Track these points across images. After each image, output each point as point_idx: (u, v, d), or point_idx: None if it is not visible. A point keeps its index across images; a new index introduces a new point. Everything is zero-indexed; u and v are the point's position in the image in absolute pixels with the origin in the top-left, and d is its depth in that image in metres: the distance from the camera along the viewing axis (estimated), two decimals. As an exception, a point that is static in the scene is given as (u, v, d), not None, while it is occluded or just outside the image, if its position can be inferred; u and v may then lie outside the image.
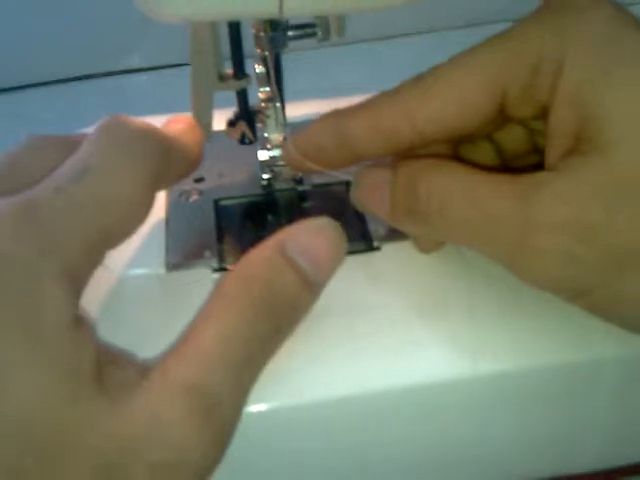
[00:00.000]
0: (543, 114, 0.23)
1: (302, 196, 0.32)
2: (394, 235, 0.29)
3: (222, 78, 0.29)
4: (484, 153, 0.27)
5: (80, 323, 0.19)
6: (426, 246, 0.27)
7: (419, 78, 0.24)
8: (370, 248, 0.29)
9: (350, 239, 0.29)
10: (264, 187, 0.32)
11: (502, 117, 0.24)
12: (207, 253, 0.28)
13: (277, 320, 0.21)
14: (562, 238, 0.20)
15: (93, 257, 0.20)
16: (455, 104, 0.23)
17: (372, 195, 0.26)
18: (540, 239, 0.21)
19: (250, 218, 0.31)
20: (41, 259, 0.18)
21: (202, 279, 0.27)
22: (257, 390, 0.22)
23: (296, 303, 0.22)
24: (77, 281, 0.20)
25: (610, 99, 0.20)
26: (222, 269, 0.28)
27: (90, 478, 0.18)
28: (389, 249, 0.29)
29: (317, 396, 0.24)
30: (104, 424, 0.18)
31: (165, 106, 0.31)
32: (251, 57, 0.29)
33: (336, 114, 0.25)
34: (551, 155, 0.23)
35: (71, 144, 0.23)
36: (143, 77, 0.45)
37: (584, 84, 0.21)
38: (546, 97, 0.23)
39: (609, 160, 0.20)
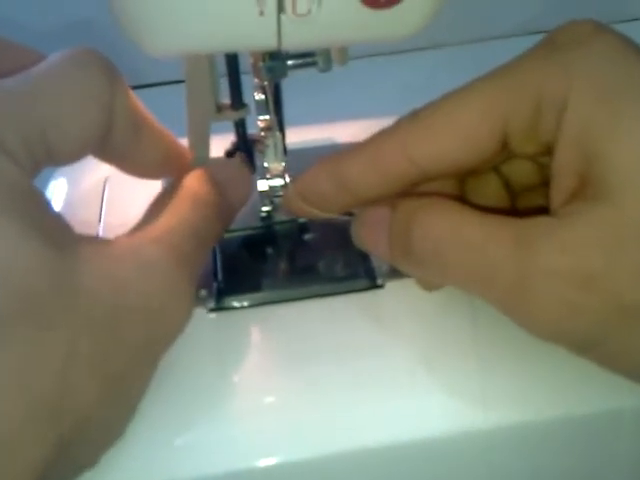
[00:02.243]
0: (548, 151, 0.22)
1: (302, 229, 0.30)
2: (398, 272, 0.28)
3: (219, 109, 0.27)
4: (492, 186, 0.26)
5: (37, 195, 0.20)
6: (429, 284, 0.26)
7: (416, 114, 0.23)
8: (374, 286, 0.28)
9: (353, 276, 0.28)
10: (263, 219, 0.31)
11: (506, 152, 0.23)
12: (203, 292, 0.27)
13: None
14: (562, 287, 0.20)
15: (35, 147, 0.20)
16: (456, 141, 0.23)
17: (371, 234, 0.25)
18: (540, 288, 0.20)
19: (249, 252, 0.30)
20: None
21: (198, 320, 0.26)
22: (255, 444, 0.21)
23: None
24: (19, 161, 0.19)
25: (615, 143, 0.19)
26: (220, 309, 0.27)
27: (89, 321, 0.18)
28: (393, 287, 0.28)
29: (316, 451, 0.23)
30: (95, 266, 0.19)
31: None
32: (248, 73, 0.28)
33: (334, 158, 0.24)
34: (555, 196, 0.22)
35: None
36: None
37: (589, 125, 0.20)
38: (550, 136, 0.22)
39: (612, 208, 0.19)
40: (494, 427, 0.23)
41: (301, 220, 0.31)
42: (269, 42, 0.22)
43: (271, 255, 0.29)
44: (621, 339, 0.20)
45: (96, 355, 0.19)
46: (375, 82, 0.45)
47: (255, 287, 0.28)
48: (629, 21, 0.57)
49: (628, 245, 0.19)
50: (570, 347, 0.21)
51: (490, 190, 0.26)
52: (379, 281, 0.28)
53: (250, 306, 0.27)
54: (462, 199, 0.25)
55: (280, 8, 0.21)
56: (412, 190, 0.24)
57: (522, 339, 0.25)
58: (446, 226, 0.22)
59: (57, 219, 0.20)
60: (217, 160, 0.28)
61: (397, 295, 0.27)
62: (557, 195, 0.22)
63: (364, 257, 0.29)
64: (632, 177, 0.19)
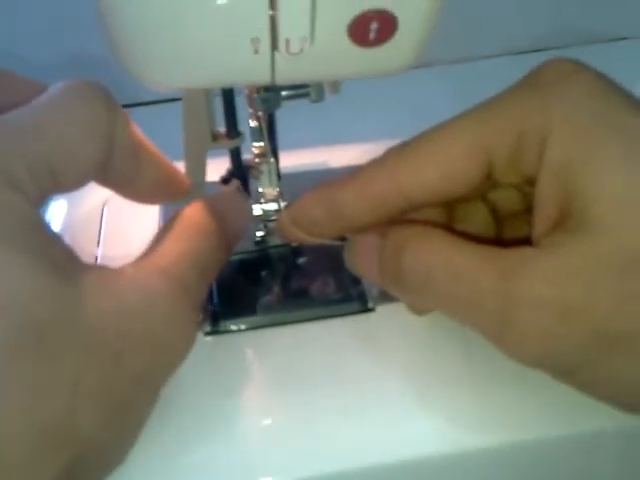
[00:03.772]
0: (531, 182, 0.23)
1: (296, 252, 0.31)
2: (389, 295, 0.28)
3: (215, 137, 0.28)
4: (479, 212, 0.27)
5: (44, 226, 0.20)
6: (418, 308, 0.27)
7: (405, 145, 0.24)
8: (365, 309, 0.28)
9: (345, 299, 0.29)
10: (257, 243, 0.31)
11: (491, 182, 0.24)
12: (199, 315, 0.28)
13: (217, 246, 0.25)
14: (544, 317, 0.20)
15: (41, 178, 0.21)
16: (441, 172, 0.23)
17: (363, 261, 0.26)
18: (522, 317, 0.21)
19: (244, 275, 0.30)
20: None
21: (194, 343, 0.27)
22: (251, 466, 0.22)
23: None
24: (28, 195, 0.20)
25: (594, 179, 0.20)
26: (215, 332, 0.27)
27: (94, 351, 0.19)
28: (384, 310, 0.28)
29: (309, 473, 0.24)
30: (97, 301, 0.19)
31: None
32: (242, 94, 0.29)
33: (326, 186, 0.25)
34: (538, 225, 0.23)
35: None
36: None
37: (568, 160, 0.21)
38: (533, 168, 0.23)
39: (591, 241, 0.20)
40: (485, 448, 0.24)
41: (295, 244, 0.31)
42: (263, 78, 0.23)
43: (265, 279, 0.30)
44: (600, 367, 0.21)
45: (100, 384, 0.19)
46: (368, 104, 0.46)
47: (250, 311, 0.28)
48: (616, 40, 0.58)
49: (606, 276, 0.20)
50: (552, 373, 0.22)
51: (477, 216, 0.27)
52: (370, 304, 0.29)
53: (245, 329, 0.28)
54: (450, 226, 0.26)
55: (274, 47, 0.22)
56: (402, 217, 0.25)
57: (511, 363, 0.26)
58: (436, 254, 0.23)
59: (63, 249, 0.20)
60: (217, 191, 0.29)
61: (388, 318, 0.28)
62: (539, 224, 0.23)
63: (356, 281, 0.29)
64: (608, 213, 0.20)
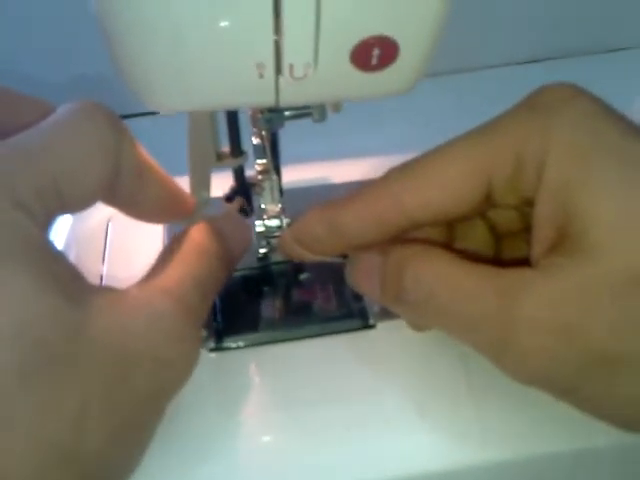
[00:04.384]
0: (529, 203, 0.24)
1: (298, 269, 0.32)
2: (389, 312, 0.29)
3: (219, 156, 0.29)
4: (478, 231, 0.28)
5: (50, 246, 0.20)
6: (418, 325, 0.28)
7: (407, 166, 0.25)
8: (366, 326, 0.29)
9: (346, 316, 0.29)
10: (260, 259, 0.32)
11: (491, 202, 0.25)
12: (203, 332, 0.28)
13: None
14: (542, 338, 0.21)
15: (47, 199, 0.21)
16: (442, 193, 0.24)
17: (364, 278, 0.26)
18: (521, 337, 0.21)
19: (247, 292, 0.31)
20: None
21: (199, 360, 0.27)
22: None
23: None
24: (35, 216, 0.20)
25: (591, 202, 0.21)
26: (219, 349, 0.28)
27: (101, 371, 0.19)
28: (385, 327, 0.29)
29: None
30: (103, 321, 0.20)
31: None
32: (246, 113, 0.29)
33: (328, 205, 0.26)
34: (536, 247, 0.23)
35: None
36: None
37: (566, 185, 0.21)
38: (531, 190, 0.23)
39: (587, 265, 0.21)
40: (485, 463, 0.24)
41: (296, 260, 0.32)
42: (268, 100, 0.24)
43: (268, 295, 0.31)
44: (597, 386, 0.21)
45: (108, 403, 0.19)
46: (370, 117, 0.46)
47: (253, 327, 0.29)
48: (615, 51, 0.58)
49: (603, 299, 0.20)
50: (550, 392, 0.23)
51: (477, 235, 0.27)
52: (371, 321, 0.29)
53: (248, 346, 0.28)
54: (450, 244, 0.27)
55: (278, 71, 0.22)
56: (402, 236, 0.26)
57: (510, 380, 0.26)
58: (436, 272, 0.23)
59: (69, 268, 0.21)
60: (221, 208, 0.30)
61: (389, 335, 0.29)
62: (538, 245, 0.23)
63: (357, 298, 0.30)
64: (605, 237, 0.20)
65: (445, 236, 0.27)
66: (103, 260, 0.32)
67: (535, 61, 0.60)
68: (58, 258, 0.21)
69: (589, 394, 0.22)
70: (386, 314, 0.29)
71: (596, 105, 0.22)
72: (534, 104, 0.23)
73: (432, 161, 0.24)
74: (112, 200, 0.25)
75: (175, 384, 0.23)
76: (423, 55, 0.23)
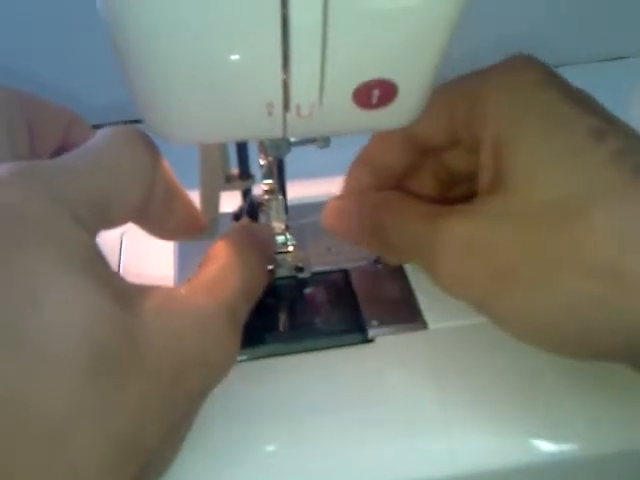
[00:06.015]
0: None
1: (302, 284, 0.33)
2: (389, 327, 0.31)
3: (228, 179, 0.30)
4: (426, 184, 0.32)
5: (103, 257, 0.22)
6: (391, 261, 0.33)
7: None
8: (364, 340, 0.31)
9: (346, 331, 0.31)
10: (266, 275, 0.33)
11: (454, 137, 0.29)
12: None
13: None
14: (454, 252, 0.25)
15: (97, 214, 0.23)
16: (433, 124, 0.29)
17: (341, 222, 0.31)
18: (444, 250, 0.26)
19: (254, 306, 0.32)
20: (53, 206, 0.21)
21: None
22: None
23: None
24: (88, 228, 0.22)
25: (516, 154, 0.25)
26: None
27: (156, 372, 0.21)
28: (382, 342, 0.31)
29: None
30: (157, 324, 0.21)
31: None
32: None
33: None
34: (480, 185, 0.27)
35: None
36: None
37: (499, 139, 0.26)
38: (479, 134, 0.27)
39: (502, 197, 0.25)
40: (484, 474, 0.26)
41: (300, 276, 0.34)
42: (276, 134, 0.25)
43: (273, 310, 0.32)
44: (500, 302, 0.25)
45: (162, 401, 0.21)
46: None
47: (258, 341, 0.31)
48: (613, 59, 0.59)
49: (511, 219, 0.24)
50: (468, 303, 0.26)
51: (424, 186, 0.32)
52: (370, 335, 0.31)
53: (252, 359, 0.30)
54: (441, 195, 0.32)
55: (286, 109, 0.24)
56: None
57: (508, 384, 0.28)
58: (393, 210, 0.28)
59: (121, 277, 0.22)
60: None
61: (386, 349, 0.30)
62: (481, 185, 0.27)
63: (356, 311, 0.32)
64: (521, 178, 0.25)
65: (436, 190, 0.32)
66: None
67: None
68: (110, 267, 0.22)
69: (494, 308, 0.25)
70: (384, 330, 0.31)
71: (540, 75, 0.27)
72: (497, 68, 0.28)
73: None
74: (142, 220, 0.26)
75: (216, 383, 0.24)
76: (421, 94, 0.25)
